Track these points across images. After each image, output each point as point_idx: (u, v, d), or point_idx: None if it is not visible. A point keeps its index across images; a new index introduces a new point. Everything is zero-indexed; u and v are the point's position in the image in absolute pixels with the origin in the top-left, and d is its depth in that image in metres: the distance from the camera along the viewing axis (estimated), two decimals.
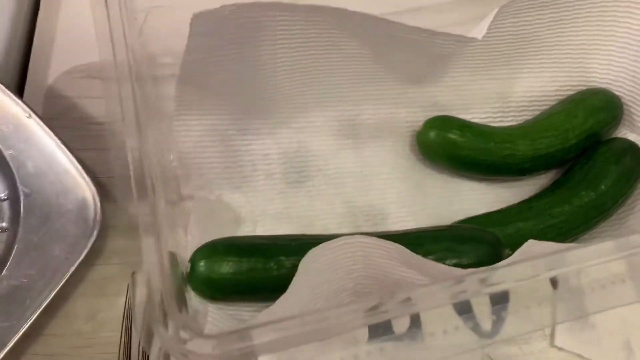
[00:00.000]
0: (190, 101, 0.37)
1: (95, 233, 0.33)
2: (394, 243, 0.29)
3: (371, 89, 0.41)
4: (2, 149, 0.34)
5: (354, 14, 0.34)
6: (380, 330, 0.36)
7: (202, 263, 0.32)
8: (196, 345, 0.21)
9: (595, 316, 0.38)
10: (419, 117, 0.41)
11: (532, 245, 0.31)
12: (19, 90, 0.40)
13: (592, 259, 0.29)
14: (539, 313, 0.38)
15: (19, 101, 0.35)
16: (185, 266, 0.32)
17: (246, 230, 0.37)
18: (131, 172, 0.27)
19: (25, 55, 0.43)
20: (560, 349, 0.37)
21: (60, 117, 0.39)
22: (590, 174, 0.39)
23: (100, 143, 0.37)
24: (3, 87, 0.35)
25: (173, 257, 0.28)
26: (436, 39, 0.36)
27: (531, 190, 0.41)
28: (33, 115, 0.34)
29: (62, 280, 0.31)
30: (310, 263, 0.28)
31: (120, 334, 0.34)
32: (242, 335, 0.23)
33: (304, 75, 0.39)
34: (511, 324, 0.37)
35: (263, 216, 0.38)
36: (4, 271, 0.31)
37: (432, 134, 0.40)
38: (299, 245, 0.32)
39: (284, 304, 0.27)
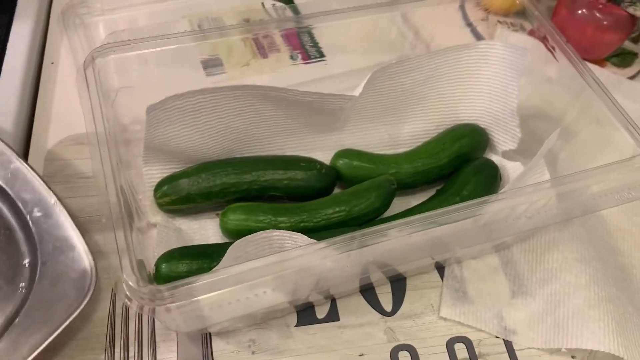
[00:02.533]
0: (153, 158, 0.50)
1: (89, 295, 0.42)
2: (299, 234, 0.39)
3: (291, 140, 0.54)
4: (33, 228, 0.45)
5: (261, 87, 0.47)
6: (306, 317, 0.47)
7: (163, 265, 0.44)
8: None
9: (473, 295, 0.49)
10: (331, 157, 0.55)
11: None
12: (24, 155, 0.52)
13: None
14: (429, 297, 0.49)
15: (49, 189, 0.46)
16: (152, 269, 0.44)
17: None
18: (110, 209, 0.38)
19: (29, 127, 0.56)
20: (445, 319, 0.48)
21: (57, 174, 0.52)
22: (457, 184, 0.51)
23: (86, 192, 0.50)
24: (39, 178, 0.46)
25: (140, 262, 0.40)
26: (326, 98, 0.49)
27: (419, 200, 0.53)
28: (57, 202, 0.46)
29: (59, 328, 0.40)
30: (237, 251, 0.39)
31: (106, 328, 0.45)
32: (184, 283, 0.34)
33: (237, 134, 0.51)
34: (407, 305, 0.49)
35: (214, 239, 0.50)
36: (16, 320, 0.41)
37: (339, 162, 0.53)
38: None
39: None
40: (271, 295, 0.39)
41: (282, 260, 0.37)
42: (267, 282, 0.38)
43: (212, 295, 0.34)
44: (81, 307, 0.42)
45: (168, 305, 0.33)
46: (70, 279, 0.43)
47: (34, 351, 0.39)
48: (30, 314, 0.42)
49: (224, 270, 0.35)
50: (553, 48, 0.50)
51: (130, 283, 0.33)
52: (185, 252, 0.45)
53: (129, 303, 0.33)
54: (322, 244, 0.37)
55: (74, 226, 0.45)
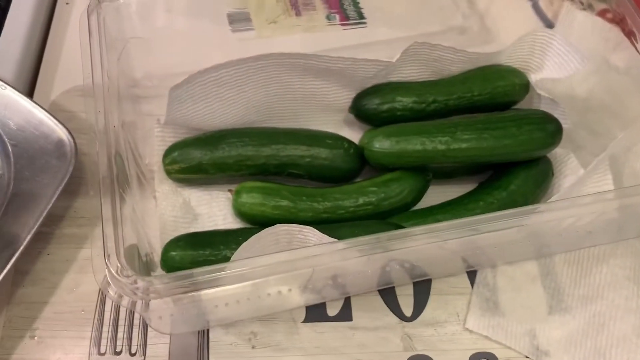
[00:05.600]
0: (171, 129, 0.46)
1: (73, 161, 0.40)
2: (308, 227, 0.34)
3: (318, 115, 0.48)
4: None
5: (288, 54, 0.43)
6: (315, 313, 0.42)
7: (171, 254, 0.39)
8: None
9: (505, 307, 0.44)
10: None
11: None
12: None
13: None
14: (455, 304, 0.44)
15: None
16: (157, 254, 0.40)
17: (208, 224, 0.44)
18: (100, 173, 0.33)
19: (34, 73, 0.51)
20: (471, 331, 0.42)
21: None
22: (503, 177, 0.45)
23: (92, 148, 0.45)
24: None
25: (133, 247, 0.35)
26: (358, 64, 0.44)
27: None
28: (8, 86, 0.43)
29: (54, 197, 0.39)
30: (244, 254, 0.33)
31: (96, 303, 0.41)
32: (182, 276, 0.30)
33: (259, 108, 0.46)
34: (429, 311, 0.44)
35: (222, 215, 0.45)
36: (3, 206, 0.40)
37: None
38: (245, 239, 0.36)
39: None
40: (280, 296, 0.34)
41: (296, 258, 0.32)
42: (276, 281, 0.33)
43: (210, 293, 0.30)
44: (69, 173, 0.40)
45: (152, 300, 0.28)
46: (48, 150, 0.41)
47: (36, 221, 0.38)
48: (17, 194, 0.40)
49: (224, 265, 0.30)
50: (633, 33, 0.43)
51: (112, 271, 0.28)
52: (191, 240, 0.40)
53: (109, 293, 0.28)
54: (342, 244, 0.31)
55: (34, 103, 0.43)
